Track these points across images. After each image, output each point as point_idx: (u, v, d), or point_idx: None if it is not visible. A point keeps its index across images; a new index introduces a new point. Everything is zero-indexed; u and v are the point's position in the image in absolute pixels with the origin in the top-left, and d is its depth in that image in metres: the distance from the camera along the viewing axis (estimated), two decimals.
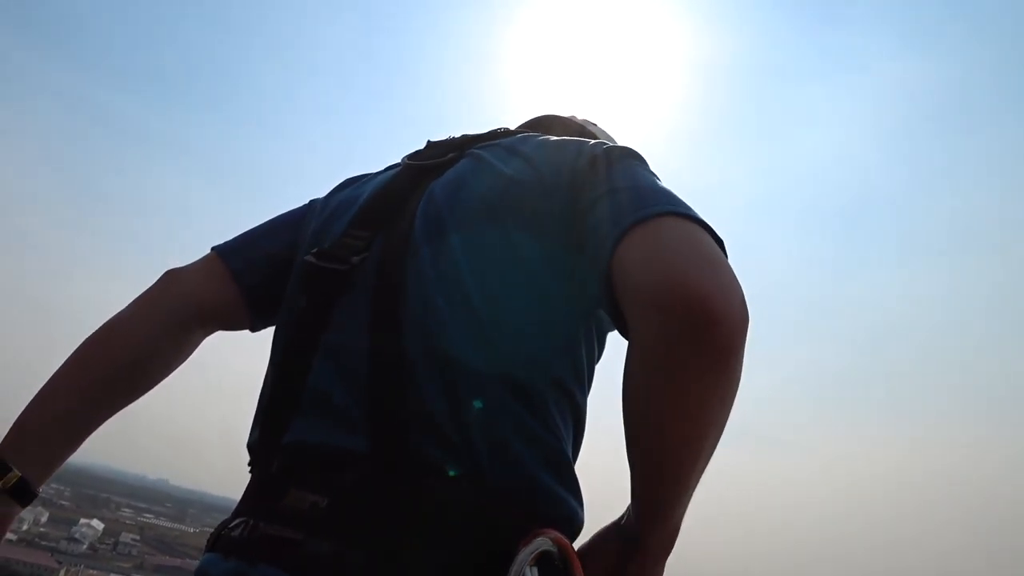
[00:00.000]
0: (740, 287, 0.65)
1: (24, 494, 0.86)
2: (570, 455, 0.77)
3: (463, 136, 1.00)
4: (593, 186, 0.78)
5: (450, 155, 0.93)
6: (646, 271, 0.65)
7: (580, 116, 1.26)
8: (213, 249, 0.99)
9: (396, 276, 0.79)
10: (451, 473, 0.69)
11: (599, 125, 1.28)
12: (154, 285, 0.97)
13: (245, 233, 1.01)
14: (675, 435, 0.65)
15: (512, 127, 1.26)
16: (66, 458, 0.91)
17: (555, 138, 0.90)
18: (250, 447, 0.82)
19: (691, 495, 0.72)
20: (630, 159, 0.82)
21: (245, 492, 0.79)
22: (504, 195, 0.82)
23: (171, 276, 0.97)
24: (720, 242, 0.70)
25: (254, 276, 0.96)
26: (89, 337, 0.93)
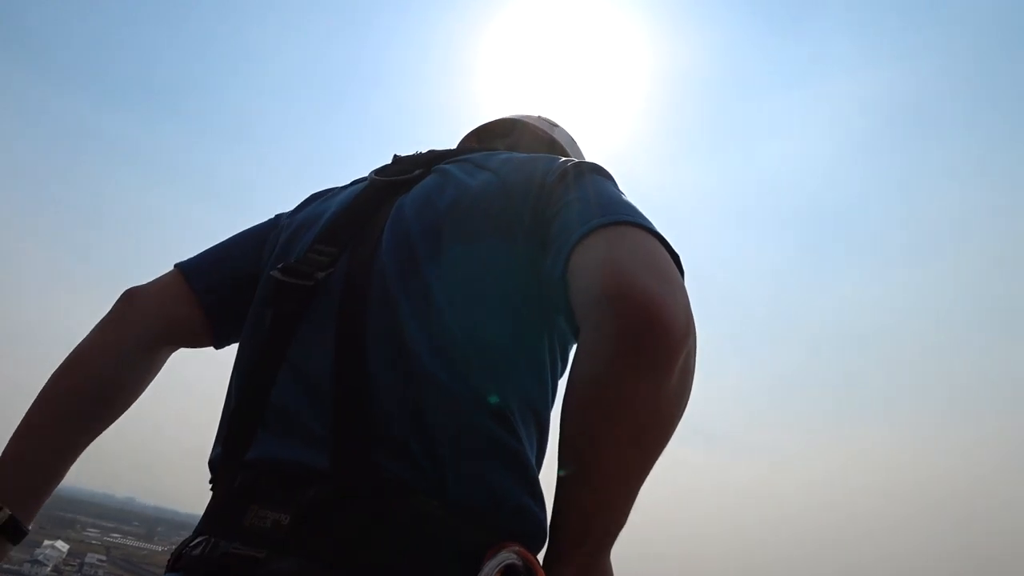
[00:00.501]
0: (688, 301, 0.66)
1: (15, 531, 0.86)
2: (535, 468, 0.76)
3: (430, 152, 1.01)
4: (560, 196, 0.80)
5: (417, 171, 0.94)
6: (599, 271, 0.67)
7: (548, 117, 1.29)
8: (176, 266, 0.99)
9: (362, 292, 0.79)
10: (415, 489, 0.68)
11: (566, 131, 1.30)
12: (114, 308, 0.97)
13: (209, 249, 1.01)
14: (607, 440, 0.65)
15: (483, 123, 1.28)
16: (51, 492, 0.91)
17: (523, 155, 0.91)
18: (212, 464, 0.82)
19: (624, 509, 0.70)
20: (597, 174, 0.84)
21: (207, 510, 0.78)
22: (472, 209, 0.82)
23: (131, 297, 0.96)
24: (676, 258, 0.72)
25: (217, 294, 0.96)
26: (57, 369, 0.93)
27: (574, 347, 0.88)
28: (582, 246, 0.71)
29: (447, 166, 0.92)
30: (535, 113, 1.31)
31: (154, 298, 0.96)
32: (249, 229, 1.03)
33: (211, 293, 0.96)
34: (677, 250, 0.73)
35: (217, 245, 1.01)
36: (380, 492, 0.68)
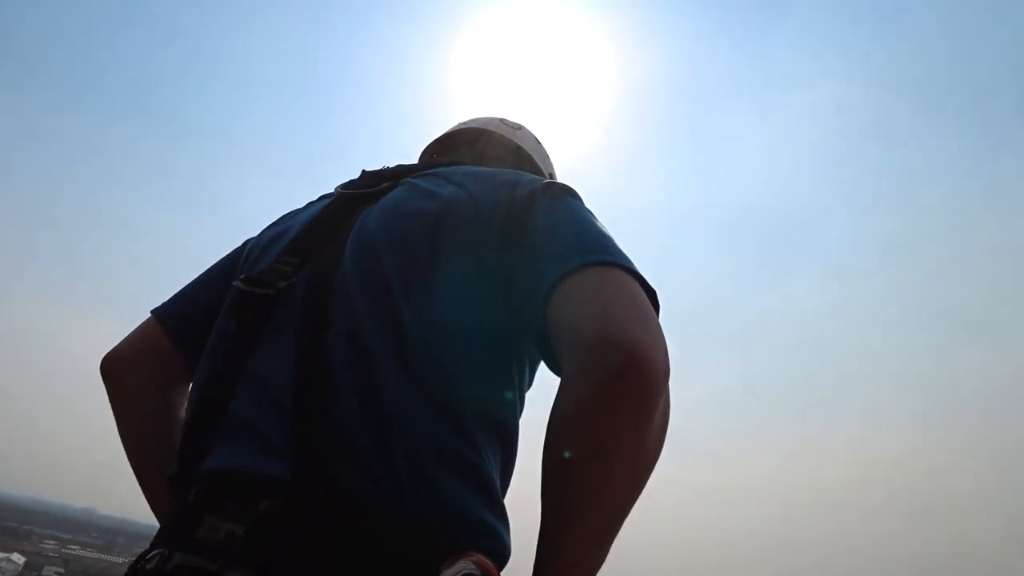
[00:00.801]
0: (665, 343, 0.68)
1: None
2: (498, 482, 0.77)
3: (398, 166, 1.01)
4: (531, 221, 0.80)
5: (384, 184, 0.94)
6: (585, 317, 0.68)
7: (511, 120, 1.30)
8: (152, 312, 1.00)
9: (324, 301, 0.79)
10: (373, 499, 0.68)
11: (530, 132, 1.30)
12: (106, 386, 0.99)
13: (182, 289, 1.02)
14: (591, 480, 0.66)
15: (449, 128, 1.30)
16: None
17: (491, 169, 0.92)
18: (169, 475, 0.81)
19: (606, 547, 0.72)
20: (569, 197, 0.84)
21: (163, 522, 0.78)
22: (438, 220, 0.82)
23: (112, 365, 0.99)
24: (652, 293, 0.74)
25: (192, 333, 0.97)
26: (129, 456, 1.01)
27: (541, 364, 0.87)
28: (565, 285, 0.72)
29: (414, 179, 0.92)
30: (499, 116, 1.31)
31: (133, 357, 0.99)
32: (219, 261, 1.03)
33: (185, 333, 0.97)
34: (653, 285, 0.75)
35: (189, 283, 1.02)
36: (337, 502, 0.68)
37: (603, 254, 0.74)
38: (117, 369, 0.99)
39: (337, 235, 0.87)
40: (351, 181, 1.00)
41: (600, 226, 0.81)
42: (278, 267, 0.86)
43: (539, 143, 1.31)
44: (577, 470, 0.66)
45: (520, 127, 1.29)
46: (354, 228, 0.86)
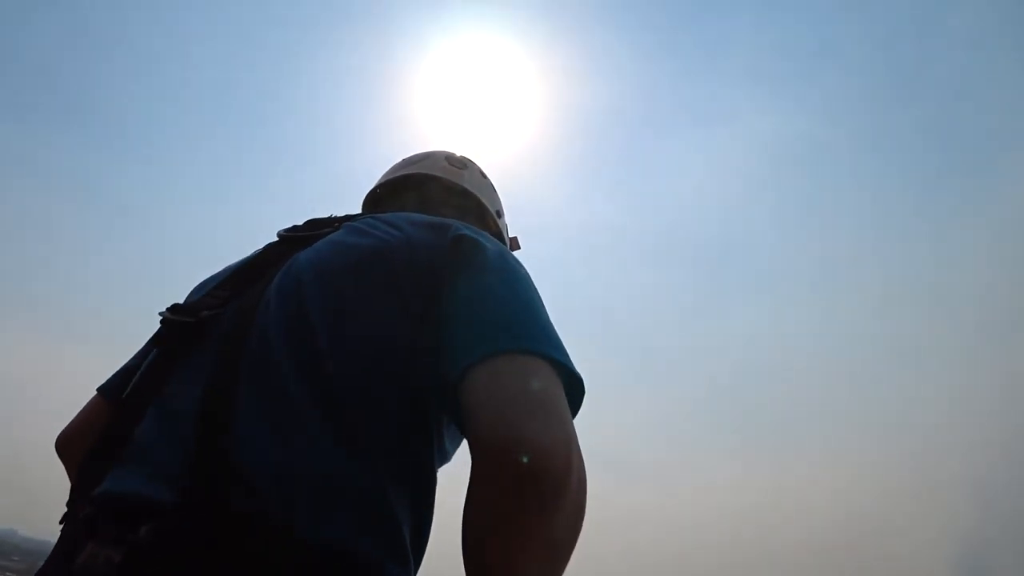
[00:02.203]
0: (574, 441, 0.67)
1: None
2: (406, 530, 0.74)
3: (344, 216, 1.01)
4: (459, 279, 0.79)
5: (324, 229, 0.94)
6: (485, 415, 0.66)
7: (458, 155, 1.30)
8: (97, 389, 0.99)
9: (242, 332, 0.78)
10: (260, 527, 0.66)
11: (477, 167, 1.30)
12: (62, 460, 1.00)
13: (124, 364, 1.00)
14: (507, 573, 0.65)
15: (393, 164, 1.27)
16: None
17: (429, 217, 0.91)
18: (67, 502, 0.79)
19: None
20: (501, 261, 0.83)
21: (53, 549, 0.75)
22: (369, 255, 0.82)
23: (64, 443, 0.99)
24: (577, 379, 0.73)
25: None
26: None
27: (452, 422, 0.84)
28: (477, 371, 0.70)
29: (353, 223, 0.92)
30: (444, 149, 1.30)
31: (82, 437, 0.97)
32: None
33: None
34: (579, 370, 0.74)
35: (131, 357, 1.01)
36: (222, 527, 0.66)
37: (523, 339, 0.72)
38: (68, 446, 0.99)
39: (268, 272, 0.86)
40: (293, 226, 1.00)
41: (528, 299, 0.79)
42: (205, 299, 0.86)
43: (484, 177, 1.31)
44: (491, 571, 0.66)
45: (465, 164, 1.28)
46: (285, 264, 0.86)
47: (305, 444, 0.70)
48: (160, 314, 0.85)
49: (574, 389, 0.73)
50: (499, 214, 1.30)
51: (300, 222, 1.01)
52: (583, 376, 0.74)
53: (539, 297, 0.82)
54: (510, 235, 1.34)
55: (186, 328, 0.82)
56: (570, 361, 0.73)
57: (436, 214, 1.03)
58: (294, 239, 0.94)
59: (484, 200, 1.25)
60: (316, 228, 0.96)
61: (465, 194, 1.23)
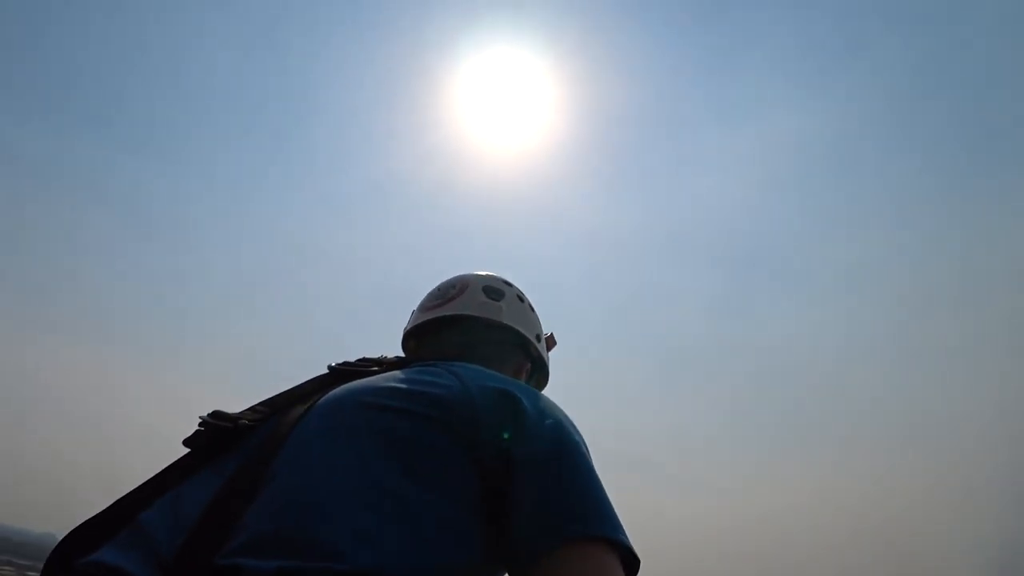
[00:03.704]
0: None
1: None
2: None
3: (396, 357, 1.07)
4: (520, 460, 0.81)
5: (373, 368, 0.98)
6: None
7: (497, 283, 1.30)
8: None
9: (273, 447, 0.81)
10: None
11: (516, 295, 1.32)
12: None
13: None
14: None
15: (428, 291, 1.31)
16: None
17: (487, 371, 0.93)
18: (43, 566, 0.80)
19: None
20: (569, 446, 0.85)
21: None
22: (422, 403, 0.83)
23: None
24: (636, 562, 0.80)
25: None
26: None
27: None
28: (549, 558, 0.76)
29: (412, 368, 0.95)
30: (479, 273, 1.33)
31: None
32: None
33: None
34: (638, 552, 0.80)
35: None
36: None
37: (590, 526, 0.78)
38: None
39: (313, 397, 0.90)
40: (344, 361, 1.03)
41: (591, 484, 0.83)
42: (247, 411, 0.90)
43: (522, 301, 1.32)
44: None
45: (502, 293, 1.28)
46: (334, 391, 0.90)
47: (302, 566, 0.70)
48: (200, 418, 0.87)
49: (631, 563, 0.80)
50: (538, 338, 1.32)
51: (351, 359, 1.04)
52: (639, 555, 0.80)
53: (594, 470, 0.85)
54: (546, 332, 1.38)
55: (222, 433, 0.85)
56: (628, 541, 0.79)
57: (477, 353, 1.13)
58: (343, 372, 0.98)
59: (523, 330, 1.27)
60: (366, 365, 1.01)
61: (504, 328, 1.25)
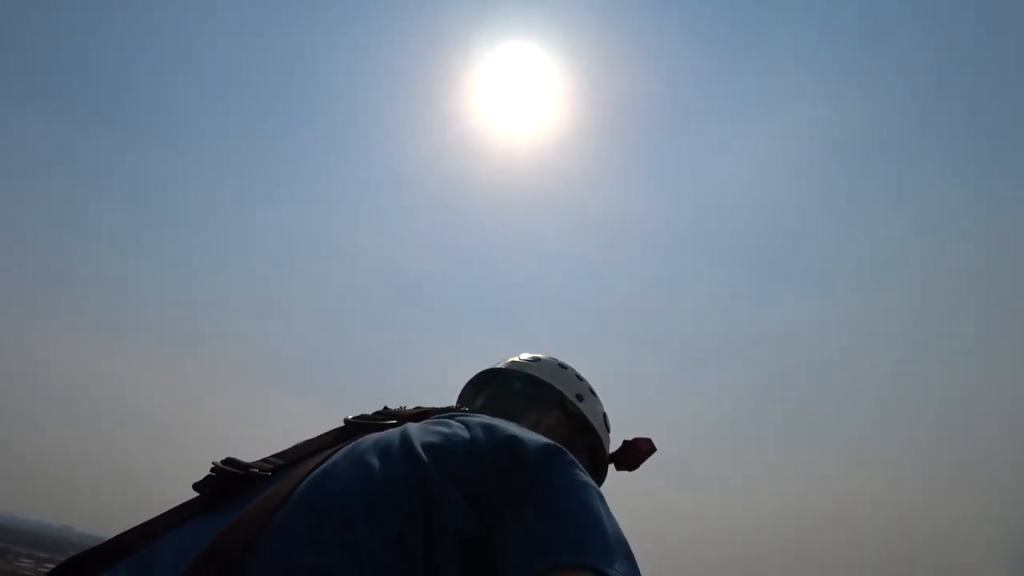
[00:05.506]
0: None
1: None
2: None
3: (416, 408, 1.06)
4: (533, 488, 0.82)
5: (392, 421, 0.98)
6: None
7: (541, 353, 1.37)
8: None
9: (284, 495, 0.80)
10: None
11: (554, 362, 1.37)
12: None
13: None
14: None
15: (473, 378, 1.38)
16: None
17: (496, 421, 0.93)
18: None
19: None
20: (573, 475, 0.85)
21: None
22: (431, 452, 0.84)
23: None
24: None
25: None
26: None
27: None
28: None
29: (428, 420, 0.95)
30: (524, 358, 1.36)
31: None
32: None
33: None
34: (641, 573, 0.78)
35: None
36: None
37: (583, 559, 0.78)
38: None
39: (323, 452, 0.89)
40: (362, 415, 1.03)
41: (594, 510, 0.81)
42: (259, 461, 0.89)
43: (563, 367, 1.34)
44: None
45: (538, 359, 1.33)
46: (348, 445, 0.89)
47: None
48: (213, 463, 0.88)
49: None
50: (579, 398, 1.31)
51: (369, 411, 1.05)
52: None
53: (604, 505, 0.84)
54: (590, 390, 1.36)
55: (232, 479, 0.85)
56: (614, 571, 0.78)
57: (506, 405, 1.19)
58: (359, 425, 0.97)
59: (558, 385, 1.30)
60: (383, 418, 1.00)
61: (532, 380, 1.28)
